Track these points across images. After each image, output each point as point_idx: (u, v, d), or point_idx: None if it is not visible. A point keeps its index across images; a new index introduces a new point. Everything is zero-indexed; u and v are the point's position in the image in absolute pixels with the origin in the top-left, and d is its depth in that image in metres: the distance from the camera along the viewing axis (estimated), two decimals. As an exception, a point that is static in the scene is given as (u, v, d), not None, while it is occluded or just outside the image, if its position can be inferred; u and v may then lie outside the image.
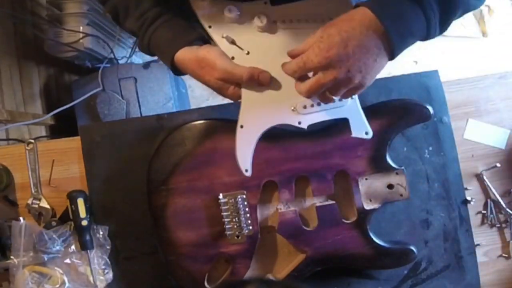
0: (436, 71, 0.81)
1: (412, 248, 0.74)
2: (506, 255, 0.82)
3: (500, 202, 0.81)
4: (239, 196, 0.73)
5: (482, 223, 0.82)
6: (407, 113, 0.74)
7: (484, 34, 1.79)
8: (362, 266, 0.76)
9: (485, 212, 0.81)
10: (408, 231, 0.78)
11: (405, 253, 0.74)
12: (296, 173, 0.74)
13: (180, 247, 0.74)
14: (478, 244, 0.80)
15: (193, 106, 1.74)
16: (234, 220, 0.73)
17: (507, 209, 0.81)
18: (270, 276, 0.74)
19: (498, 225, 0.81)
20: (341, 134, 0.73)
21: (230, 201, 0.73)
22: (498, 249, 0.82)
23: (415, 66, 1.76)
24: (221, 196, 0.73)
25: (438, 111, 0.80)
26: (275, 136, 0.74)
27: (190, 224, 0.74)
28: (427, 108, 0.73)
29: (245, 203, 0.73)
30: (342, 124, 0.73)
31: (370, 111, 0.73)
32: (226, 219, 0.73)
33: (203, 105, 1.79)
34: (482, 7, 1.78)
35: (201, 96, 1.81)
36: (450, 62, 1.78)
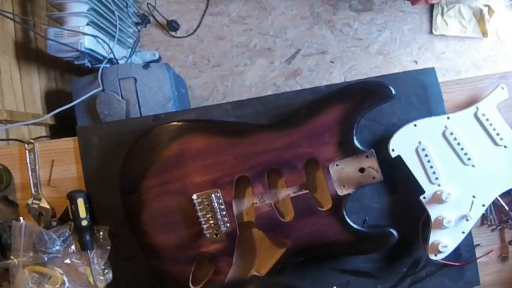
0: (432, 68, 0.81)
1: (392, 230, 0.74)
2: (506, 255, 0.82)
3: (500, 202, 0.81)
4: (212, 195, 0.73)
5: (482, 223, 0.82)
6: (369, 94, 0.74)
7: (484, 34, 1.79)
8: (344, 252, 0.76)
9: (485, 212, 0.81)
10: (408, 229, 0.78)
11: (384, 236, 0.74)
12: (267, 166, 0.74)
13: (160, 251, 0.74)
14: (478, 244, 0.81)
15: (193, 106, 1.74)
16: (210, 219, 0.74)
17: (507, 209, 0.81)
18: (253, 272, 0.74)
19: (498, 225, 0.81)
20: (306, 123, 0.74)
21: (205, 200, 0.73)
22: (498, 249, 0.82)
23: (415, 66, 1.75)
24: (194, 196, 0.73)
25: (435, 108, 0.80)
26: (241, 132, 0.75)
27: (168, 227, 0.74)
28: (388, 88, 0.73)
29: (220, 201, 0.74)
30: (305, 113, 0.74)
31: (333, 96, 0.74)
32: (202, 219, 0.73)
33: (203, 105, 1.79)
34: (482, 7, 1.78)
35: (201, 96, 1.81)
36: (450, 62, 1.78)
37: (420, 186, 0.75)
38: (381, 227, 0.77)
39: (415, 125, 0.76)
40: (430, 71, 0.81)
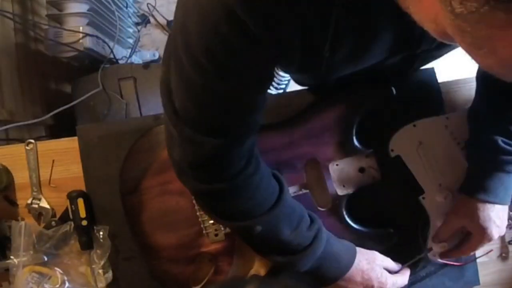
0: (432, 69, 0.81)
1: (392, 230, 0.75)
2: (506, 255, 0.82)
3: (499, 202, 0.81)
4: None
5: (482, 223, 0.82)
6: (369, 94, 0.74)
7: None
8: None
9: (484, 212, 0.81)
10: (408, 229, 0.78)
11: (384, 236, 0.75)
12: (266, 165, 0.74)
13: (161, 251, 0.74)
14: (477, 244, 0.80)
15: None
16: (210, 219, 0.73)
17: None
18: (253, 272, 0.74)
19: (498, 225, 0.81)
20: (306, 122, 0.74)
21: None
22: (498, 249, 0.82)
23: (415, 66, 1.76)
24: None
25: (435, 108, 0.79)
26: None
27: (168, 227, 0.74)
28: (388, 87, 0.73)
29: None
30: (305, 113, 0.74)
31: (333, 97, 0.74)
32: (202, 219, 0.73)
33: (203, 105, 1.79)
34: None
35: (201, 96, 1.81)
36: (450, 63, 1.78)
37: (420, 186, 0.75)
38: (381, 227, 0.76)
39: (414, 126, 0.76)
40: (430, 71, 0.81)
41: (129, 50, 1.65)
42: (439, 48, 0.63)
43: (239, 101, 0.52)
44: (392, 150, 0.75)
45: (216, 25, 0.43)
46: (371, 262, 0.68)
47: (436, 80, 0.81)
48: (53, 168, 0.80)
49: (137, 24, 1.78)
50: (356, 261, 0.66)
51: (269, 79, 0.54)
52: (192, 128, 0.54)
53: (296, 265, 0.63)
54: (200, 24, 0.45)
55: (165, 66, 0.54)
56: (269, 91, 0.59)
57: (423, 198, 0.75)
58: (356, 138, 0.74)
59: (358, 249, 0.69)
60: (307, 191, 0.74)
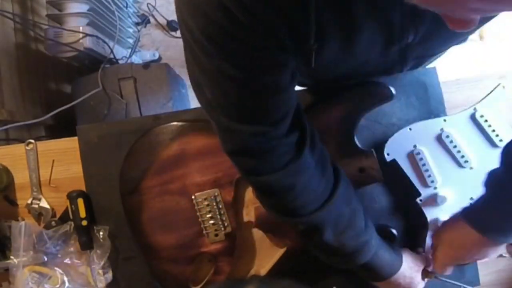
0: (433, 68, 0.81)
1: (392, 230, 0.75)
2: (506, 255, 0.82)
3: (499, 202, 0.81)
4: (212, 195, 0.73)
5: (482, 223, 0.82)
6: (369, 94, 0.73)
7: (481, 38, 1.80)
8: None
9: (484, 212, 0.81)
10: (408, 229, 0.78)
11: (384, 235, 0.74)
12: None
13: (161, 250, 0.74)
14: (477, 244, 0.80)
15: (193, 106, 1.74)
16: (210, 219, 0.74)
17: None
18: (253, 272, 0.75)
19: (498, 225, 0.81)
20: None
21: (205, 200, 0.74)
22: (497, 249, 0.82)
23: (415, 66, 1.76)
24: (194, 196, 0.73)
25: (435, 109, 0.79)
26: None
27: (168, 227, 0.74)
28: (388, 88, 0.73)
29: (220, 201, 0.74)
30: (306, 113, 0.73)
31: (333, 98, 0.74)
32: (202, 219, 0.74)
33: (203, 105, 1.79)
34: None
35: (201, 96, 1.81)
36: (449, 63, 1.78)
37: (417, 189, 0.75)
38: (381, 227, 0.76)
39: (410, 129, 0.76)
40: (431, 71, 0.81)
41: (129, 50, 1.65)
42: (425, 40, 0.60)
43: (256, 83, 0.50)
44: (388, 154, 0.75)
45: (207, 12, 0.44)
46: (410, 283, 0.67)
47: (437, 80, 0.80)
48: (53, 168, 0.80)
49: (137, 24, 1.78)
50: (396, 276, 0.65)
51: (280, 63, 0.50)
52: (226, 117, 0.53)
53: (332, 265, 0.63)
54: (192, 11, 0.45)
55: (186, 59, 0.54)
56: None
57: (420, 200, 0.75)
58: (357, 138, 0.74)
59: (406, 262, 0.68)
60: (307, 191, 0.74)
